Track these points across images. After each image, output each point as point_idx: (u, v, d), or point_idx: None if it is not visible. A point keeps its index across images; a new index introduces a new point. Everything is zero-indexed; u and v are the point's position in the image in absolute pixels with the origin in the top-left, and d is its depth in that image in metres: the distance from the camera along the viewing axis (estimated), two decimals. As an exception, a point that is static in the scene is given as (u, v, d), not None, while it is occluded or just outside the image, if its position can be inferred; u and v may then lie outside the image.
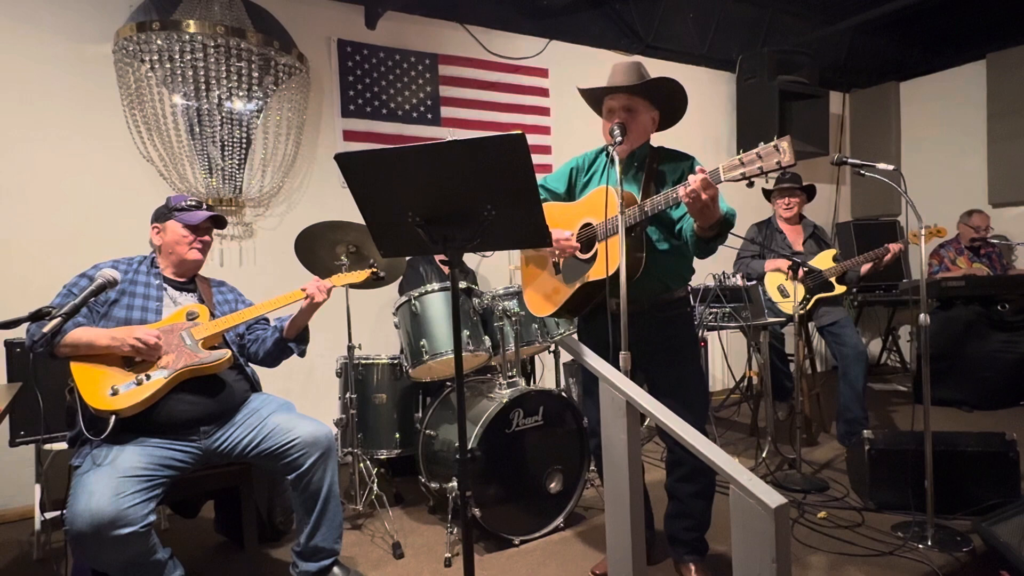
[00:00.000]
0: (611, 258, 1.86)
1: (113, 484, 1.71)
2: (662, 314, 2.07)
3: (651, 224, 2.01)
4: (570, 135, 4.46)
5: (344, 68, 3.79)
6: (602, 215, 1.94)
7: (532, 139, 4.34)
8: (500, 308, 2.76)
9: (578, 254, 2.06)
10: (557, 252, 2.07)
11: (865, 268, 3.52)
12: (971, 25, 5.30)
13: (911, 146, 5.88)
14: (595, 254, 1.99)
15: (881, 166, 2.46)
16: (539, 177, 2.10)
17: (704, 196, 1.65)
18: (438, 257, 3.43)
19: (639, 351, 1.78)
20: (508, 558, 2.43)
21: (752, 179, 1.63)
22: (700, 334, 3.41)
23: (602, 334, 1.89)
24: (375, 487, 2.76)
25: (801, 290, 3.31)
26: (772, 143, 1.58)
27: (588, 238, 2.03)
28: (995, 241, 4.78)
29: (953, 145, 5.56)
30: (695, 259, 2.08)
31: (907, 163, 5.83)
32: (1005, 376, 4.27)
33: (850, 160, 2.52)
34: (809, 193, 3.82)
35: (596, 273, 1.97)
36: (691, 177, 1.66)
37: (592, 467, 2.74)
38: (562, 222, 2.09)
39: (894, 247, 3.44)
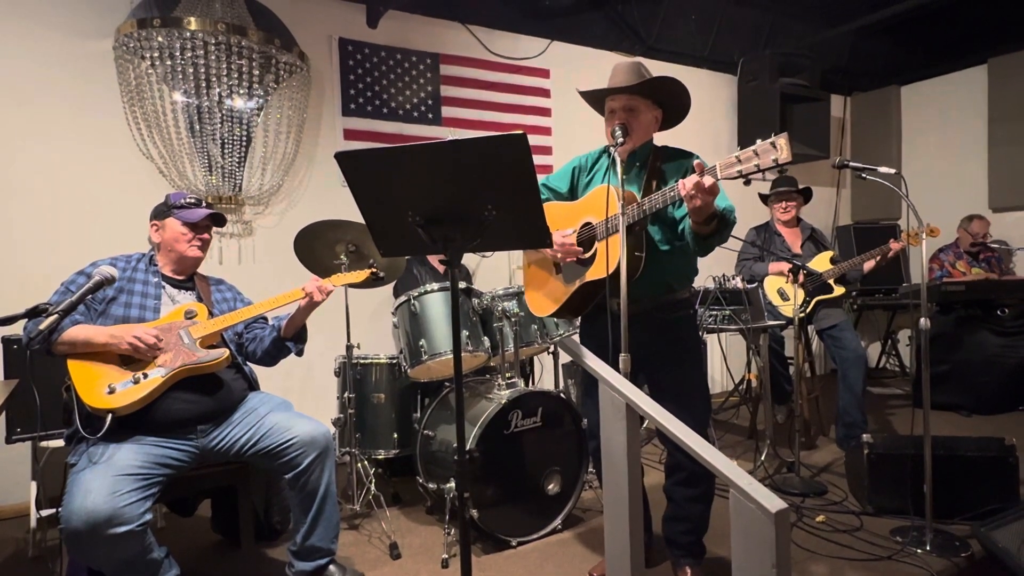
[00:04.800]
0: (610, 257, 1.85)
1: (109, 482, 1.70)
2: (665, 315, 2.06)
3: (654, 224, 2.01)
4: (571, 136, 4.45)
5: (345, 67, 3.78)
6: (602, 214, 1.93)
7: (533, 140, 4.30)
8: (499, 309, 2.75)
9: None
10: (560, 254, 2.05)
11: (868, 265, 3.52)
12: (973, 30, 5.30)
13: (912, 150, 5.88)
14: (595, 253, 1.99)
15: (883, 169, 2.46)
16: (541, 177, 2.10)
17: (704, 191, 1.64)
18: (433, 258, 3.43)
19: (642, 352, 1.77)
20: (506, 559, 2.43)
21: (749, 177, 1.62)
22: (700, 336, 3.41)
23: (604, 335, 1.89)
24: (373, 487, 2.75)
25: (801, 293, 3.30)
26: (768, 140, 1.57)
27: (588, 237, 2.02)
28: (995, 246, 4.77)
29: (954, 149, 5.56)
30: (698, 258, 2.07)
31: (908, 167, 5.83)
32: (1004, 381, 4.27)
33: (851, 163, 2.51)
34: (806, 196, 3.81)
35: (595, 272, 1.97)
36: (690, 177, 1.66)
37: (591, 469, 2.73)
38: (563, 222, 2.09)
39: (894, 245, 3.44)
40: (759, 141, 1.59)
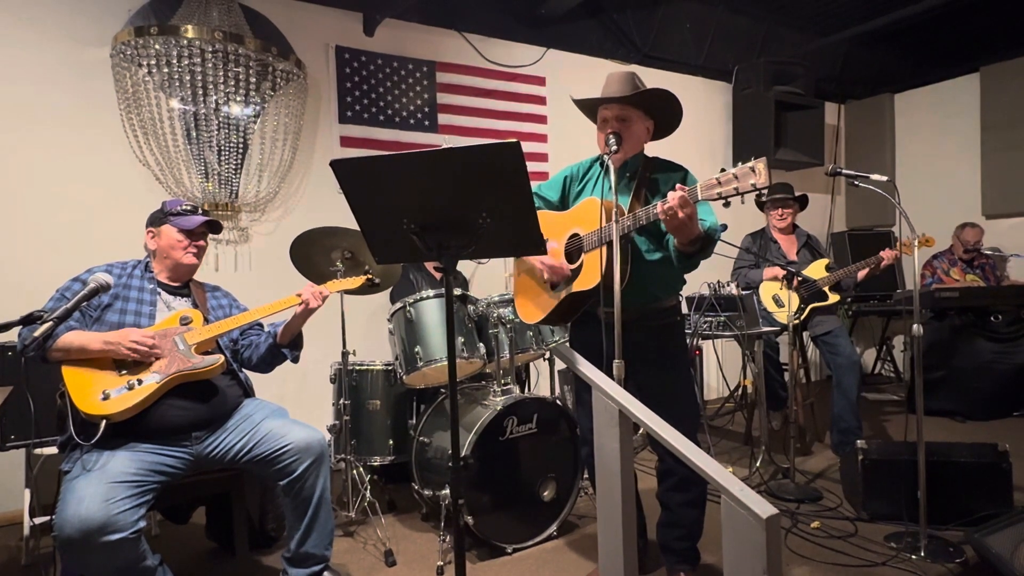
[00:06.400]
0: (594, 270, 1.89)
1: (103, 490, 1.70)
2: (651, 323, 2.07)
3: (640, 234, 2.02)
4: (566, 143, 4.48)
5: (342, 74, 3.80)
6: (591, 226, 1.95)
7: (529, 147, 4.36)
8: (495, 315, 2.76)
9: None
10: (547, 274, 2.09)
11: (862, 274, 3.54)
12: (965, 38, 5.36)
13: (905, 157, 5.92)
14: (581, 264, 2.01)
15: (875, 177, 2.47)
16: (534, 184, 2.12)
17: (681, 214, 1.67)
18: (429, 264, 3.43)
19: (628, 359, 1.79)
20: (501, 566, 2.43)
21: (729, 199, 1.64)
22: (695, 343, 3.42)
23: (592, 342, 1.89)
24: (368, 494, 2.75)
25: (796, 300, 3.32)
26: (748, 164, 1.59)
27: (575, 249, 2.04)
28: (989, 252, 4.80)
29: (947, 157, 5.60)
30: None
31: (901, 174, 5.87)
32: (998, 387, 4.29)
33: (844, 171, 2.53)
34: (802, 203, 3.84)
35: (581, 284, 1.99)
36: (670, 195, 1.68)
37: (586, 475, 2.73)
38: (552, 231, 2.11)
39: (888, 254, 3.46)
40: (740, 164, 1.61)
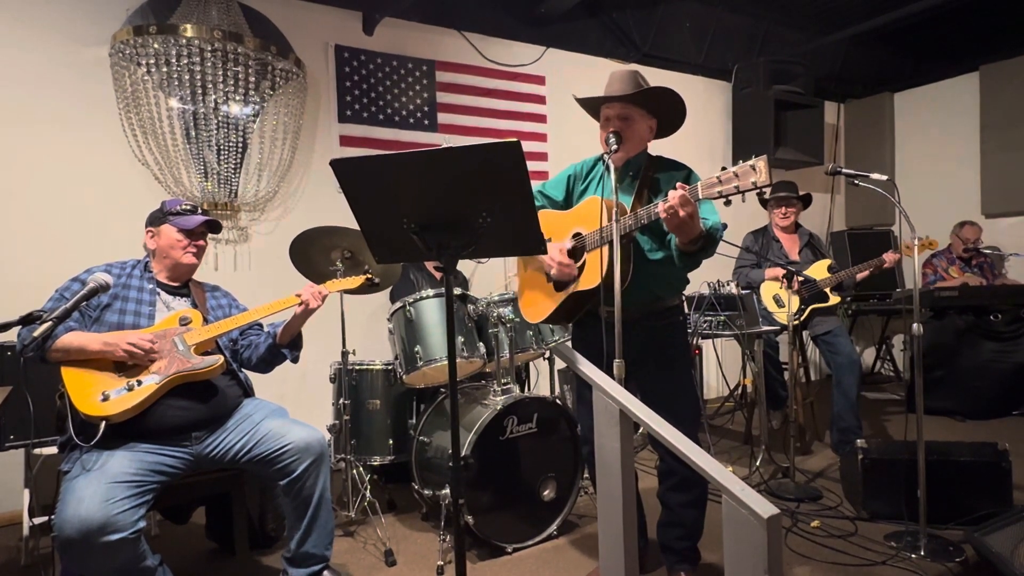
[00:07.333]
0: (596, 270, 1.88)
1: (103, 490, 1.69)
2: (653, 323, 2.07)
3: (643, 234, 2.02)
4: (567, 142, 4.47)
5: (341, 73, 3.79)
6: (593, 225, 1.95)
7: (529, 146, 4.35)
8: (495, 315, 2.75)
9: None
10: (554, 271, 2.06)
11: (861, 275, 3.54)
12: (964, 37, 5.36)
13: (905, 156, 5.92)
14: (584, 264, 2.00)
15: (875, 176, 2.47)
16: (537, 183, 2.11)
17: (682, 213, 1.66)
18: (430, 264, 3.43)
19: (630, 359, 1.79)
20: (501, 566, 2.42)
21: (729, 198, 1.63)
22: (695, 342, 3.42)
23: (595, 341, 1.88)
24: (368, 494, 2.75)
25: (796, 300, 3.31)
26: (749, 162, 1.59)
27: (578, 248, 2.04)
28: (987, 251, 4.81)
29: (947, 156, 5.60)
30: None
31: (901, 173, 5.87)
32: (998, 386, 4.29)
33: (844, 170, 2.52)
34: (805, 202, 3.83)
35: (584, 283, 1.99)
36: (671, 193, 1.68)
37: (586, 475, 2.73)
38: (555, 231, 2.11)
39: (890, 257, 3.46)
40: (740, 163, 1.61)
